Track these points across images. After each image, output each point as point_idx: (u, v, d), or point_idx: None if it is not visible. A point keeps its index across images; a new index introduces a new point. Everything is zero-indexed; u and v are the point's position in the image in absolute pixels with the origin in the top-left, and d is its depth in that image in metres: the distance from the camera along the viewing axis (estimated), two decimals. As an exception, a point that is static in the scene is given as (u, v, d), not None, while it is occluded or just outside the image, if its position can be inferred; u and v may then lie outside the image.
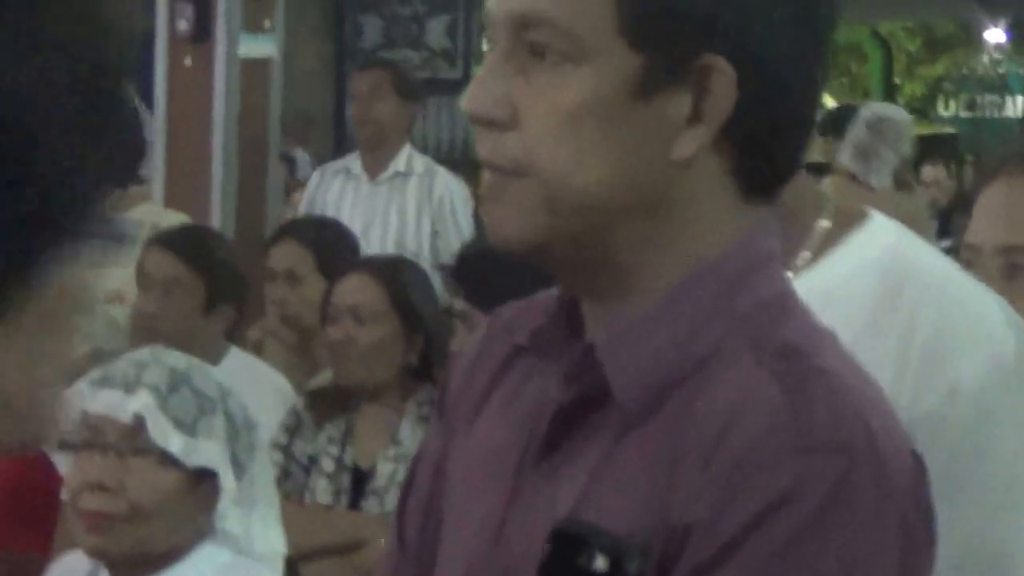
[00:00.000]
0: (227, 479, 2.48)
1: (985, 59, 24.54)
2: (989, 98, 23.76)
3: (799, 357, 1.33)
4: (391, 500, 3.67)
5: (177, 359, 2.53)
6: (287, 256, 4.65)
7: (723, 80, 1.31)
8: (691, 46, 1.31)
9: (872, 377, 1.36)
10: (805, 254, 1.62)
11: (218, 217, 6.41)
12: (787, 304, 1.38)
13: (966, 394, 1.52)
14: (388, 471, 3.82)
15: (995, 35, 23.40)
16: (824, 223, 1.64)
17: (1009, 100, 23.46)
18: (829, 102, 13.46)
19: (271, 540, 2.55)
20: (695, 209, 1.34)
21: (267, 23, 6.35)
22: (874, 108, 7.55)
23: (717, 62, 1.31)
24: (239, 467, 2.49)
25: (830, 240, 1.63)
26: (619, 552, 1.27)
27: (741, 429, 1.27)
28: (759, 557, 1.26)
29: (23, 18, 0.83)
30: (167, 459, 2.43)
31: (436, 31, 12.38)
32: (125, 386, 2.45)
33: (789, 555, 1.25)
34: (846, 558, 1.26)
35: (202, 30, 6.26)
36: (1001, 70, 24.04)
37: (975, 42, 23.86)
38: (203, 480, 2.48)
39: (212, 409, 2.44)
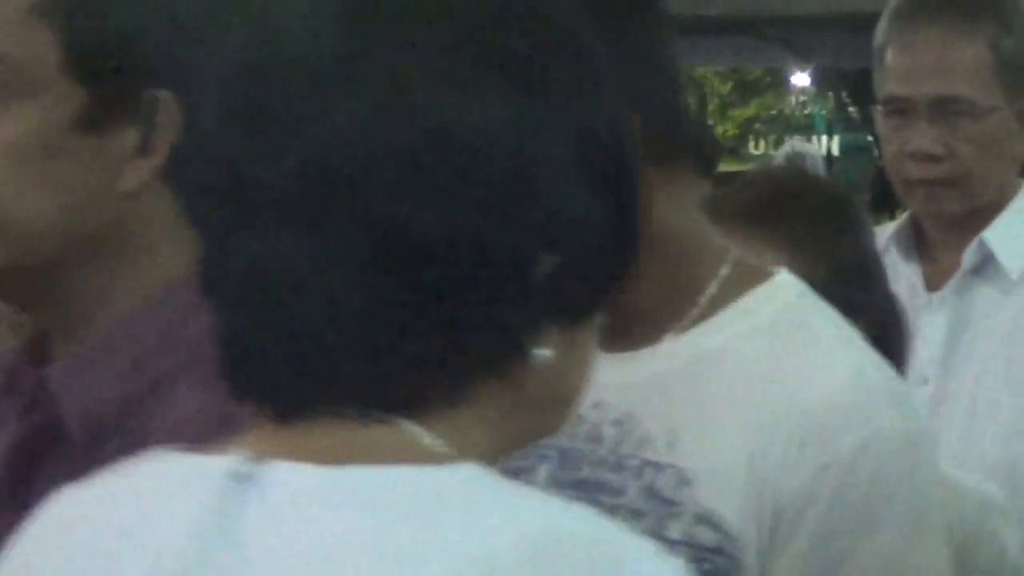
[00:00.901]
0: None
1: (792, 101, 25.71)
2: (796, 137, 25.14)
3: None
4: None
5: None
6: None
7: (169, 112, 1.34)
8: (134, 82, 1.33)
9: None
10: (694, 311, 1.49)
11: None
12: None
13: (839, 469, 1.38)
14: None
15: (801, 79, 24.74)
16: (722, 276, 1.50)
17: (815, 139, 24.88)
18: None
19: None
20: (149, 238, 1.36)
21: None
22: (794, 143, 8.43)
23: (162, 95, 1.33)
24: None
25: (725, 296, 1.49)
26: None
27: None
28: None
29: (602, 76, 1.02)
30: None
31: None
32: None
33: None
34: None
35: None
36: (807, 111, 25.18)
37: (783, 86, 24.93)
38: None
39: None
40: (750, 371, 1.42)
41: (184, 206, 1.03)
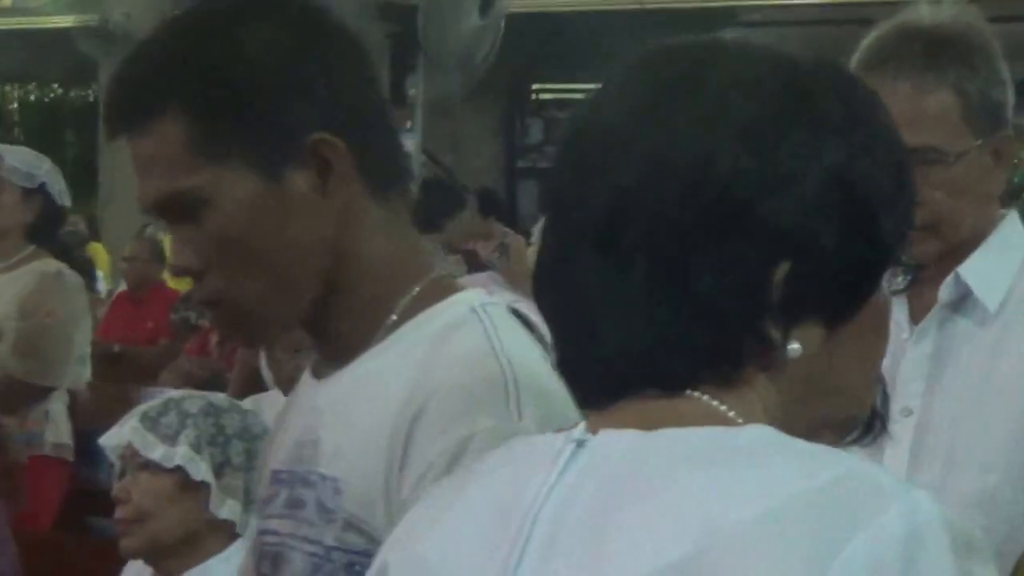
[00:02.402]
0: (202, 474, 2.83)
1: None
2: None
3: None
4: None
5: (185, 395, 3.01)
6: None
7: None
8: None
9: None
10: (380, 332, 1.54)
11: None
12: None
13: (437, 471, 1.42)
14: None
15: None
16: (412, 296, 1.54)
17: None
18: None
19: None
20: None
21: (409, 124, 7.32)
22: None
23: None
24: (227, 465, 2.85)
25: (408, 315, 1.53)
26: None
27: None
28: None
29: (867, 120, 1.19)
30: (154, 466, 2.81)
31: None
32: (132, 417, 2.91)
33: None
34: None
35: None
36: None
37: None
38: (192, 482, 2.84)
39: (194, 423, 2.82)
40: (397, 383, 1.48)
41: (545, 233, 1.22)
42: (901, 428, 2.18)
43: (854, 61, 2.23)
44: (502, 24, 7.61)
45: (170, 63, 1.51)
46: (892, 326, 2.43)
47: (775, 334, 1.14)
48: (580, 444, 1.13)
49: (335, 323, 1.54)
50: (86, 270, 8.32)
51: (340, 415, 1.53)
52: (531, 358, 1.51)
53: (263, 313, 1.52)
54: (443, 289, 1.55)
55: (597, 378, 1.16)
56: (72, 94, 17.26)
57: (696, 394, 1.13)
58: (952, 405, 2.21)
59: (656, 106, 1.15)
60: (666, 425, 1.11)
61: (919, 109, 2.17)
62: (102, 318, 8.37)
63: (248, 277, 1.50)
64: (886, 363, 2.12)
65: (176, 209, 1.51)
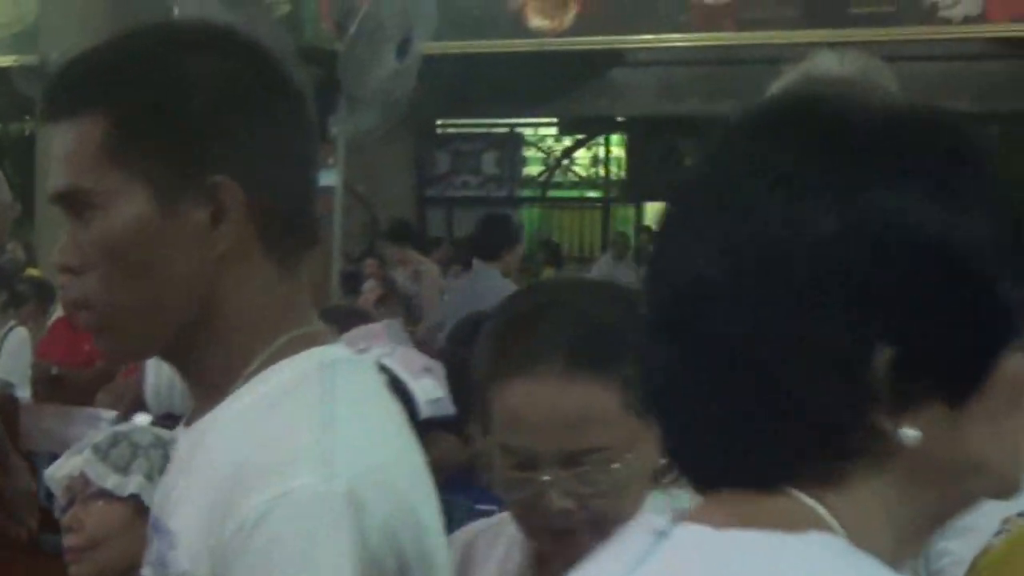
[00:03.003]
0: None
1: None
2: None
3: None
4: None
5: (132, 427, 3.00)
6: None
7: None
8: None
9: None
10: (238, 383, 1.53)
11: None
12: None
13: (247, 528, 1.40)
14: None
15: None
16: (273, 348, 1.53)
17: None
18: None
19: None
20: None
21: (331, 160, 8.20)
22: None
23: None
24: None
25: (263, 367, 1.53)
26: None
27: None
28: None
29: (970, 183, 1.05)
30: (107, 495, 2.79)
31: (489, 161, 17.73)
32: (82, 452, 2.93)
33: None
34: None
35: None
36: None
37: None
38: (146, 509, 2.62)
39: (145, 454, 2.82)
40: (230, 438, 1.47)
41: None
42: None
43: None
44: (417, 68, 8.37)
45: (112, 69, 1.54)
46: None
47: (886, 423, 1.02)
48: (662, 536, 1.08)
49: (198, 368, 1.56)
50: (47, 295, 8.93)
51: (186, 466, 1.54)
52: (366, 421, 1.50)
53: (123, 328, 1.54)
54: (304, 342, 1.53)
55: (695, 466, 1.09)
56: (11, 128, 18.38)
57: (794, 491, 1.04)
58: None
59: (734, 188, 1.06)
60: (754, 523, 1.03)
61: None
62: (40, 342, 8.70)
63: (115, 289, 1.52)
64: None
65: (74, 205, 1.53)
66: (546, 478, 1.75)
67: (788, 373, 1.02)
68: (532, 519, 1.79)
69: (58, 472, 2.98)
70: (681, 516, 1.08)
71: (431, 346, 8.30)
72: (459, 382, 3.08)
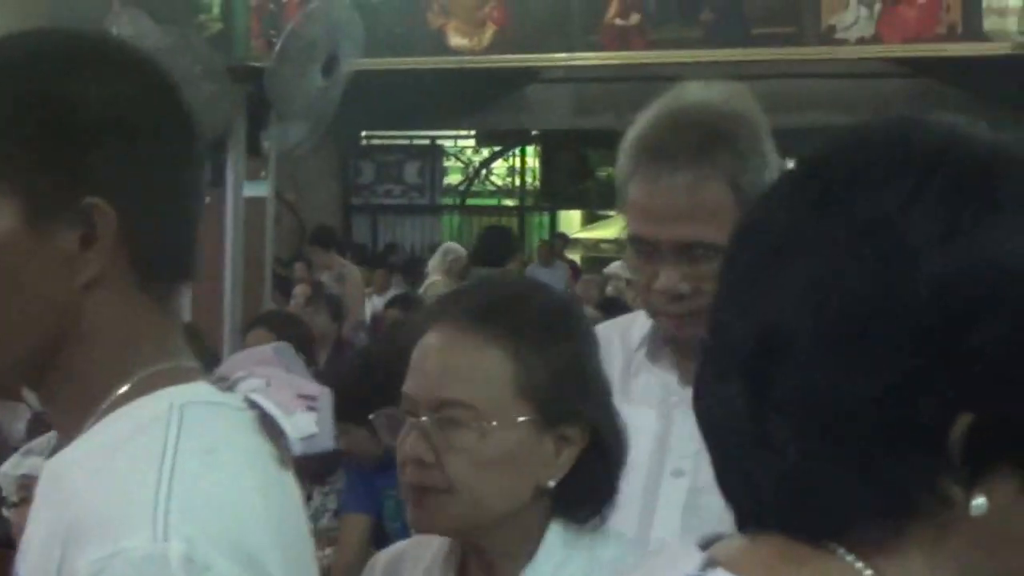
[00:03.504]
0: None
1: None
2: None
3: None
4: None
5: None
6: (257, 341, 5.02)
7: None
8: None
9: None
10: (89, 422, 1.41)
11: (228, 313, 7.98)
12: None
13: None
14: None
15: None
16: (129, 386, 1.42)
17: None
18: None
19: None
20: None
21: (263, 173, 8.79)
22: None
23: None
24: None
25: (115, 406, 1.41)
26: None
27: None
28: None
29: None
30: None
31: (411, 171, 19.15)
32: (42, 453, 2.90)
33: None
34: None
35: (217, 177, 8.06)
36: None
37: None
38: None
39: None
40: (69, 485, 1.37)
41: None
42: (673, 489, 2.26)
43: (628, 141, 2.25)
44: (343, 84, 8.80)
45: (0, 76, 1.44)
46: (660, 390, 2.32)
47: (954, 490, 0.96)
48: None
49: (56, 398, 1.46)
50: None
51: (41, 504, 1.43)
52: (214, 473, 1.37)
53: None
54: (165, 379, 1.42)
55: (746, 504, 1.03)
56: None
57: (840, 550, 0.98)
58: None
59: (819, 233, 0.99)
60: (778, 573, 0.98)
61: (696, 204, 2.20)
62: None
63: None
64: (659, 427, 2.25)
65: None
66: (413, 420, 1.90)
67: (861, 431, 0.97)
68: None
69: (10, 470, 3.07)
70: (712, 562, 1.02)
71: (353, 343, 8.90)
72: (376, 374, 3.70)
